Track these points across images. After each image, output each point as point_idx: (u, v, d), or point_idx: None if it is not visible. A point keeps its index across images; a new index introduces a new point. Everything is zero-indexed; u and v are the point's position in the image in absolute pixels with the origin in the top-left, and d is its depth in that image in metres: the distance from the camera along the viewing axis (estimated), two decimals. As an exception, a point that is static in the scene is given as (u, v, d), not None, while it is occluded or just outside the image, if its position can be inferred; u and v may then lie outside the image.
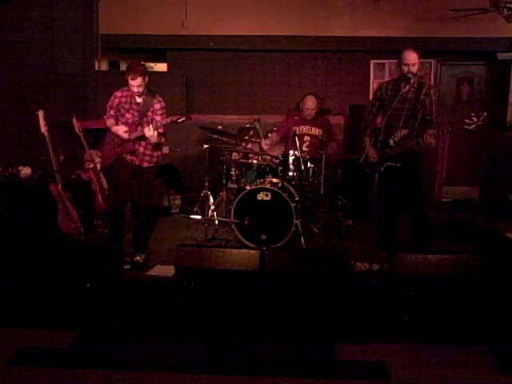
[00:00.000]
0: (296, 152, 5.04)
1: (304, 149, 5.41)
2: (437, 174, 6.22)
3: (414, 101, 4.53)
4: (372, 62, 8.35)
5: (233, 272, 3.59)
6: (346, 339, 3.44)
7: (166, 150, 6.44)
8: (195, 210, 5.89)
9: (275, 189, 4.85)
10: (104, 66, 9.12)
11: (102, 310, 3.66)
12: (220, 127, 6.17)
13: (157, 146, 4.62)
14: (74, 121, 5.30)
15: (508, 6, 6.27)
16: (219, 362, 3.19)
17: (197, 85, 8.43)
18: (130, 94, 4.52)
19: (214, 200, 5.69)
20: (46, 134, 4.82)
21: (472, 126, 4.19)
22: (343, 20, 7.89)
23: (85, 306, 3.63)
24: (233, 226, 5.01)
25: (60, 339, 3.41)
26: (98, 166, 5.42)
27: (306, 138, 5.51)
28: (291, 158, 5.13)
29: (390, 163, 4.58)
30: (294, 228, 4.76)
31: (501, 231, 4.30)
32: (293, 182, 5.13)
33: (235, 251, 3.68)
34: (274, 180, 5.10)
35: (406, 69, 4.45)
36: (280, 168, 5.20)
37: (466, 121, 4.21)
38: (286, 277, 3.61)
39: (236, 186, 5.49)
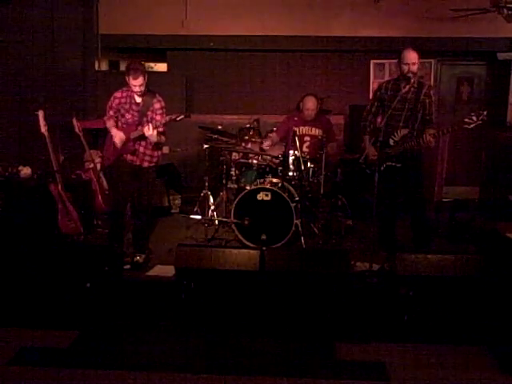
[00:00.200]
0: (296, 152, 5.04)
1: (304, 149, 5.41)
2: (437, 174, 6.23)
3: (413, 101, 4.53)
4: (372, 61, 8.35)
5: (233, 272, 3.59)
6: (346, 339, 3.44)
7: (166, 149, 6.44)
8: (195, 210, 5.89)
9: (275, 189, 4.85)
10: (104, 66, 9.12)
11: (102, 310, 3.65)
12: (220, 127, 6.17)
13: (157, 146, 4.62)
14: (74, 121, 5.30)
15: (508, 5, 6.28)
16: (219, 362, 3.19)
17: (197, 85, 8.44)
18: (129, 94, 4.52)
19: (214, 200, 5.70)
20: (45, 134, 4.82)
21: (472, 125, 4.19)
22: (343, 20, 7.89)
23: (85, 306, 3.62)
24: (233, 226, 5.01)
25: (60, 339, 3.41)
26: (98, 166, 5.43)
27: (306, 138, 5.51)
28: (291, 158, 5.13)
29: (389, 163, 4.58)
30: (294, 228, 4.76)
31: (501, 231, 4.30)
32: (293, 182, 5.13)
33: (235, 251, 3.68)
34: (274, 180, 5.10)
35: (406, 68, 4.45)
36: (280, 168, 5.20)
37: (466, 120, 4.21)
38: (286, 277, 3.61)
39: (236, 186, 5.49)
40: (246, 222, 4.85)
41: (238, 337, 3.46)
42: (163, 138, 4.55)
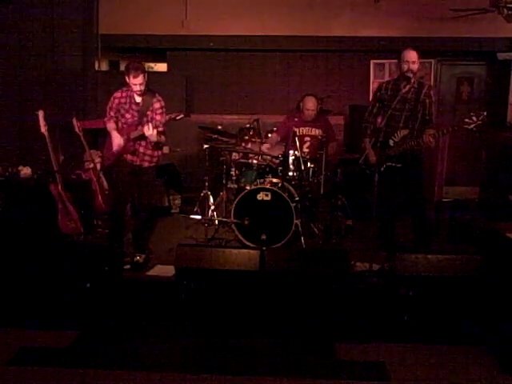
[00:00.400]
0: (296, 152, 5.04)
1: (304, 149, 5.41)
2: (437, 174, 6.22)
3: (414, 101, 4.52)
4: (372, 61, 8.36)
5: (233, 272, 3.59)
6: (346, 339, 3.44)
7: (166, 149, 6.44)
8: (195, 210, 5.89)
9: (275, 189, 4.85)
10: (104, 66, 9.12)
11: (102, 310, 3.65)
12: (220, 127, 6.17)
13: (157, 146, 4.62)
14: (74, 121, 5.29)
15: (508, 5, 6.28)
16: (219, 362, 3.19)
17: (197, 85, 8.44)
18: (129, 94, 4.51)
19: (214, 200, 5.69)
20: (45, 134, 4.82)
21: (472, 126, 4.19)
22: (343, 20, 7.90)
23: (85, 306, 3.62)
24: (233, 226, 5.01)
25: (60, 339, 3.41)
26: (98, 166, 5.42)
27: (307, 138, 5.51)
28: (291, 158, 5.13)
29: (390, 163, 4.58)
30: (294, 228, 4.76)
31: (501, 231, 4.29)
32: (293, 182, 5.13)
33: (235, 251, 3.68)
34: (274, 180, 5.10)
35: (405, 67, 4.45)
36: (280, 168, 5.20)
37: (466, 120, 4.21)
38: (286, 277, 3.61)
39: (236, 185, 5.49)
40: (246, 222, 4.85)
41: (237, 337, 3.46)
42: (163, 137, 4.55)
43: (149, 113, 4.52)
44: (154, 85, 4.76)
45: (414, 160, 4.59)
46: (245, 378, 3.01)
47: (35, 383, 2.97)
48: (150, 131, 4.32)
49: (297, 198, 4.97)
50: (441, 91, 8.37)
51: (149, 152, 4.59)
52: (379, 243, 4.69)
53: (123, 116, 4.54)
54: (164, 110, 4.55)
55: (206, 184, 5.69)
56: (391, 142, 4.57)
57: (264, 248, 3.81)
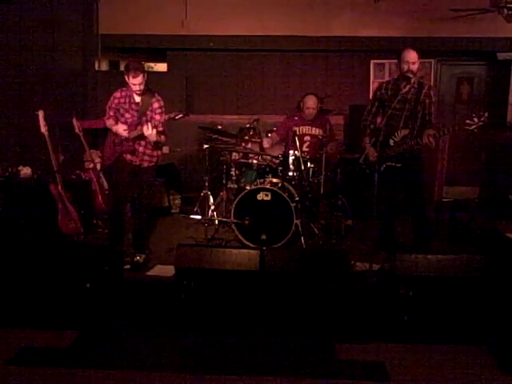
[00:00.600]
0: (296, 152, 5.04)
1: (304, 149, 5.41)
2: (437, 173, 6.22)
3: (414, 101, 4.52)
4: (372, 61, 8.37)
5: (233, 272, 3.59)
6: (345, 339, 3.44)
7: (166, 149, 6.45)
8: (195, 210, 5.88)
9: (275, 189, 4.85)
10: (104, 66, 9.13)
11: (102, 310, 3.65)
12: (220, 127, 6.17)
13: (157, 146, 4.61)
14: (74, 121, 5.30)
15: (508, 6, 6.28)
16: (219, 362, 3.19)
17: (197, 85, 8.45)
18: (128, 93, 4.51)
19: (214, 200, 5.69)
20: (45, 133, 4.82)
21: (473, 127, 4.18)
22: (343, 20, 7.90)
23: (85, 306, 3.62)
24: (233, 226, 5.01)
25: (60, 339, 3.41)
26: (98, 166, 5.43)
27: (307, 138, 5.51)
28: (291, 158, 5.13)
29: (389, 163, 4.57)
30: (294, 228, 4.76)
31: (501, 231, 4.29)
32: (293, 182, 5.13)
33: (235, 251, 3.68)
34: (274, 180, 5.10)
35: (405, 67, 4.45)
36: (280, 168, 5.20)
37: (467, 121, 4.20)
38: (286, 277, 3.61)
39: (236, 186, 5.49)
40: (246, 222, 4.85)
41: (237, 337, 3.46)
42: (163, 137, 4.55)
43: (148, 112, 4.51)
44: (153, 85, 4.77)
45: (414, 160, 4.59)
46: (245, 378, 3.01)
47: (35, 383, 2.97)
48: (149, 131, 4.32)
49: (297, 198, 4.97)
50: (441, 91, 8.38)
51: (148, 152, 4.59)
52: (379, 243, 4.69)
53: (122, 115, 4.54)
54: (163, 109, 4.55)
55: (206, 184, 5.68)
56: (391, 142, 4.57)
57: (264, 248, 3.81)
